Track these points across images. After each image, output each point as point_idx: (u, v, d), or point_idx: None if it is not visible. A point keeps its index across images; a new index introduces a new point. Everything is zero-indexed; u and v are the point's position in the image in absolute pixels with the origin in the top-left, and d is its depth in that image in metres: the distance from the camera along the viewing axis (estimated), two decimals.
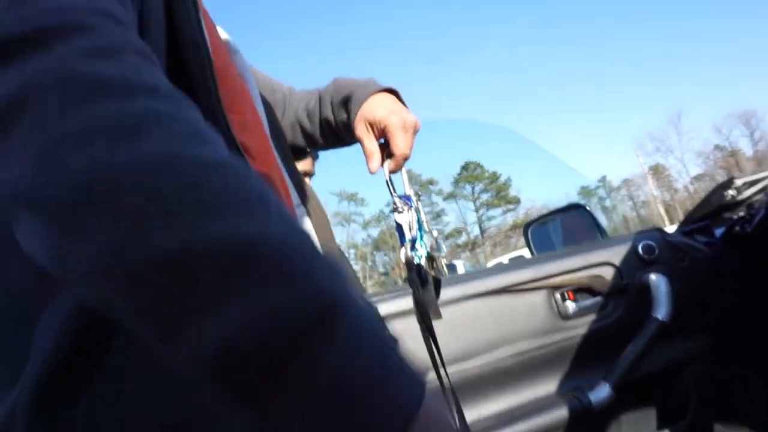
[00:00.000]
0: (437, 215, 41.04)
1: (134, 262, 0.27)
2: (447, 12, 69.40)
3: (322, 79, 0.97)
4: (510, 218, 40.28)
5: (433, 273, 0.82)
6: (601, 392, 1.17)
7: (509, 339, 1.24)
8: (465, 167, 41.45)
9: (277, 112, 0.95)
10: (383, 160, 0.83)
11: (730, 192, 1.48)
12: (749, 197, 1.44)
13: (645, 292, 1.27)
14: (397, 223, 0.81)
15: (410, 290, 0.81)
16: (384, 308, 1.19)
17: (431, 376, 1.00)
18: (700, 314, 1.32)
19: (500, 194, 40.86)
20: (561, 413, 1.15)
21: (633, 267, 1.32)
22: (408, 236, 0.80)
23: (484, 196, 41.46)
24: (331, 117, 0.90)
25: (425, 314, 0.82)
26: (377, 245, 41.32)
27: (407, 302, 1.18)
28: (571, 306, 1.29)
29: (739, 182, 1.49)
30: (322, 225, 0.80)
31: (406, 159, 0.81)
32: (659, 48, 65.16)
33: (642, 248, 1.32)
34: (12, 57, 0.30)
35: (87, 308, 0.37)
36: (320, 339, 0.28)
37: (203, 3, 0.63)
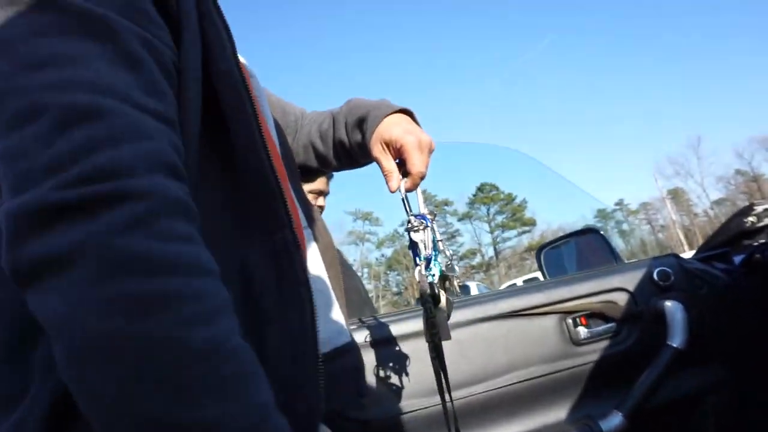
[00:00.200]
0: (452, 236, 40.88)
1: (117, 411, 0.35)
2: (463, 34, 69.99)
3: (335, 101, 0.98)
4: (525, 240, 40.01)
5: (446, 293, 0.82)
6: (613, 421, 1.14)
7: (519, 363, 1.22)
8: (480, 188, 41.38)
9: (288, 134, 0.96)
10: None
11: (750, 218, 1.46)
12: None
13: (660, 319, 1.24)
14: (412, 241, 0.81)
15: (421, 311, 0.81)
16: (395, 329, 1.19)
17: (436, 398, 0.99)
18: (718, 343, 1.29)
19: (515, 216, 40.64)
20: None
21: (648, 293, 1.29)
22: (423, 255, 0.80)
23: (499, 218, 41.32)
24: (345, 138, 0.91)
25: (435, 335, 0.81)
26: (391, 265, 41.19)
27: (418, 324, 1.18)
28: (583, 331, 1.27)
29: (759, 209, 1.47)
30: (328, 248, 0.80)
31: (422, 178, 0.82)
32: (680, 71, 64.87)
33: (657, 274, 1.30)
34: (62, 219, 0.36)
35: None
36: None
37: None
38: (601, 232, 1.77)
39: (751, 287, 1.32)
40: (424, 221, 0.81)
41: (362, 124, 0.86)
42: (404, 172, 0.82)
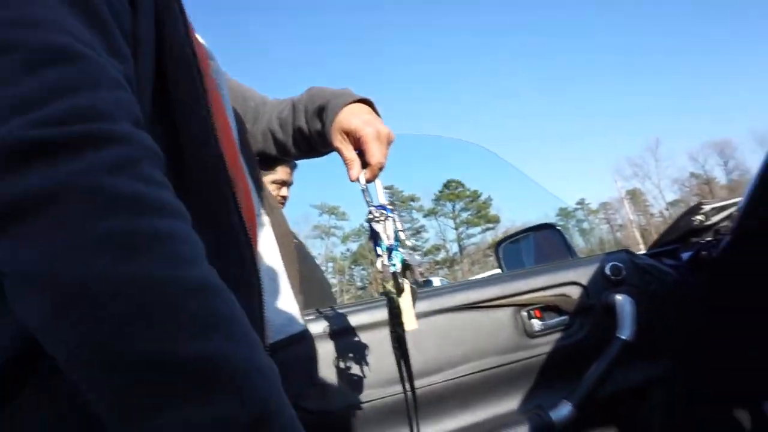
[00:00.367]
0: (417, 231, 41.09)
1: (110, 355, 0.32)
2: (429, 31, 70.29)
3: (299, 89, 0.97)
4: (489, 237, 40.54)
5: (408, 282, 0.83)
6: (563, 411, 1.17)
7: (474, 355, 1.24)
8: (447, 185, 41.71)
9: (247, 120, 0.94)
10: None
11: (699, 217, 1.51)
12: (717, 222, 1.46)
13: (610, 312, 1.28)
14: (373, 230, 0.81)
15: (381, 301, 0.81)
16: (354, 320, 1.19)
17: (398, 387, 1.00)
18: (666, 336, 1.33)
19: (480, 213, 41.13)
20: (522, 431, 1.15)
21: (600, 287, 1.33)
22: (384, 245, 0.80)
23: (464, 214, 41.72)
24: (304, 126, 0.90)
25: (399, 324, 0.82)
26: (356, 259, 41.16)
27: (377, 314, 1.18)
28: (536, 324, 1.29)
29: (707, 207, 1.52)
30: (285, 237, 0.80)
31: (381, 168, 0.82)
32: (641, 76, 66.75)
33: (609, 269, 1.34)
34: (40, 158, 0.33)
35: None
36: None
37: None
38: (558, 228, 1.81)
39: (698, 284, 1.37)
40: (385, 212, 0.82)
41: (322, 112, 0.86)
42: (364, 162, 0.83)
